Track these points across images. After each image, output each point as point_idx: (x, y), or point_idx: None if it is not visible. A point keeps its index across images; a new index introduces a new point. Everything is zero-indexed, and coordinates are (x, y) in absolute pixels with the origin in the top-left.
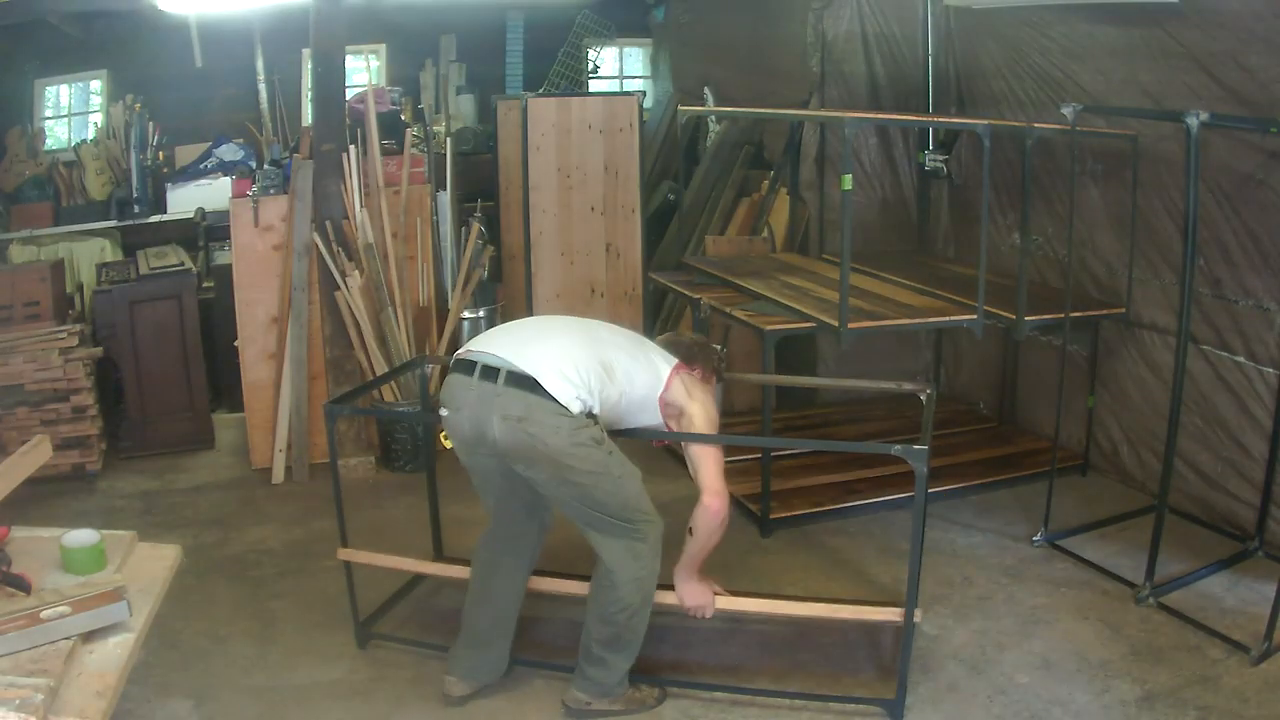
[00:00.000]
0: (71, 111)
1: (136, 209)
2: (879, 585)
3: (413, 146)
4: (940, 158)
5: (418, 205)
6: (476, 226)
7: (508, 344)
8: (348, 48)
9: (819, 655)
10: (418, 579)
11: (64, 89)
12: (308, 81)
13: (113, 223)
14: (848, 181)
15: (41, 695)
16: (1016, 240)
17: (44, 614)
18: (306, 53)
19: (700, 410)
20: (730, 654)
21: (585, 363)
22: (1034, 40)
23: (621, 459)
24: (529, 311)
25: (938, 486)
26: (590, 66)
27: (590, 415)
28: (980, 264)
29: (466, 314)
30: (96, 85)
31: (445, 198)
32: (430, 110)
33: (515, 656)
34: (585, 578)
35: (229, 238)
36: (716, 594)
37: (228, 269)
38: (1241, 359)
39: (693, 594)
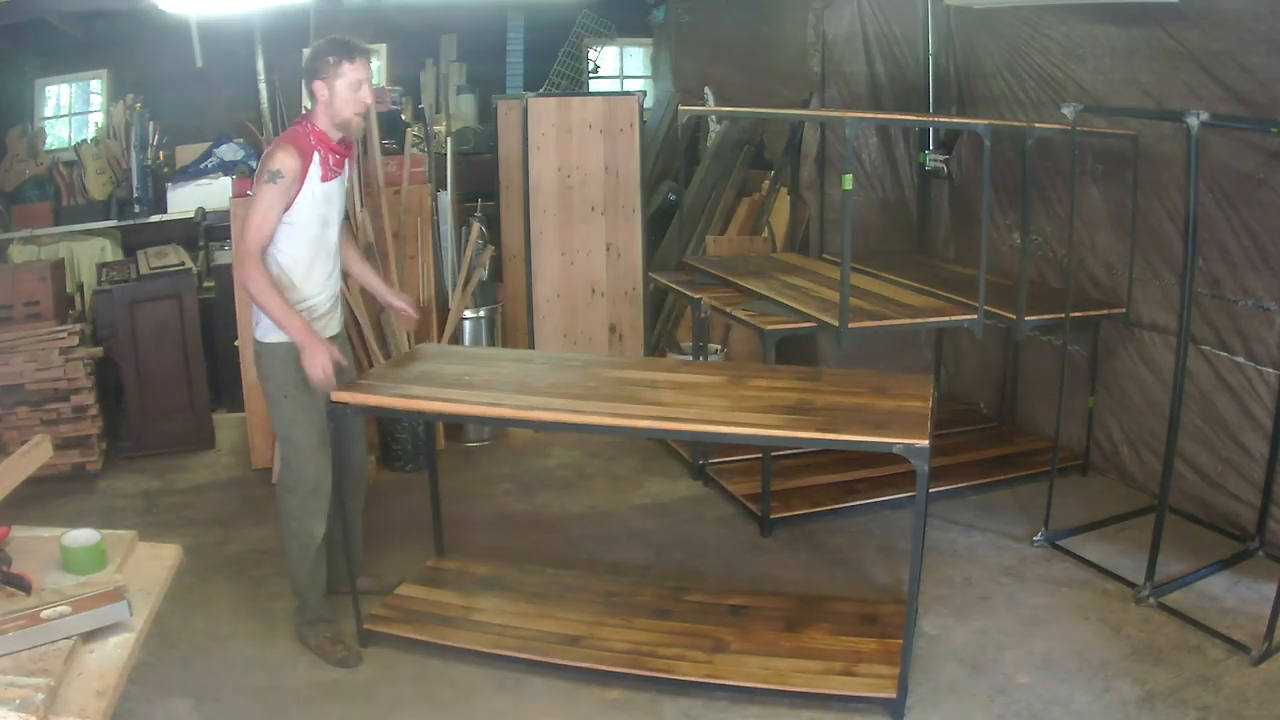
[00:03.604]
0: (72, 111)
1: (137, 209)
2: (879, 585)
3: (413, 146)
4: (940, 158)
5: (418, 205)
6: (477, 226)
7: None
8: None
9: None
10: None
11: (64, 89)
12: None
13: (113, 222)
14: (848, 181)
15: (42, 695)
16: (1016, 240)
17: (44, 614)
18: (307, 52)
19: (255, 199)
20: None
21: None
22: (1034, 40)
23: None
24: (529, 311)
25: (938, 486)
26: (591, 66)
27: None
28: (980, 264)
29: (467, 314)
30: (96, 85)
31: (446, 198)
32: (431, 110)
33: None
34: None
35: (229, 237)
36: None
37: (228, 269)
38: (1241, 359)
39: (307, 362)
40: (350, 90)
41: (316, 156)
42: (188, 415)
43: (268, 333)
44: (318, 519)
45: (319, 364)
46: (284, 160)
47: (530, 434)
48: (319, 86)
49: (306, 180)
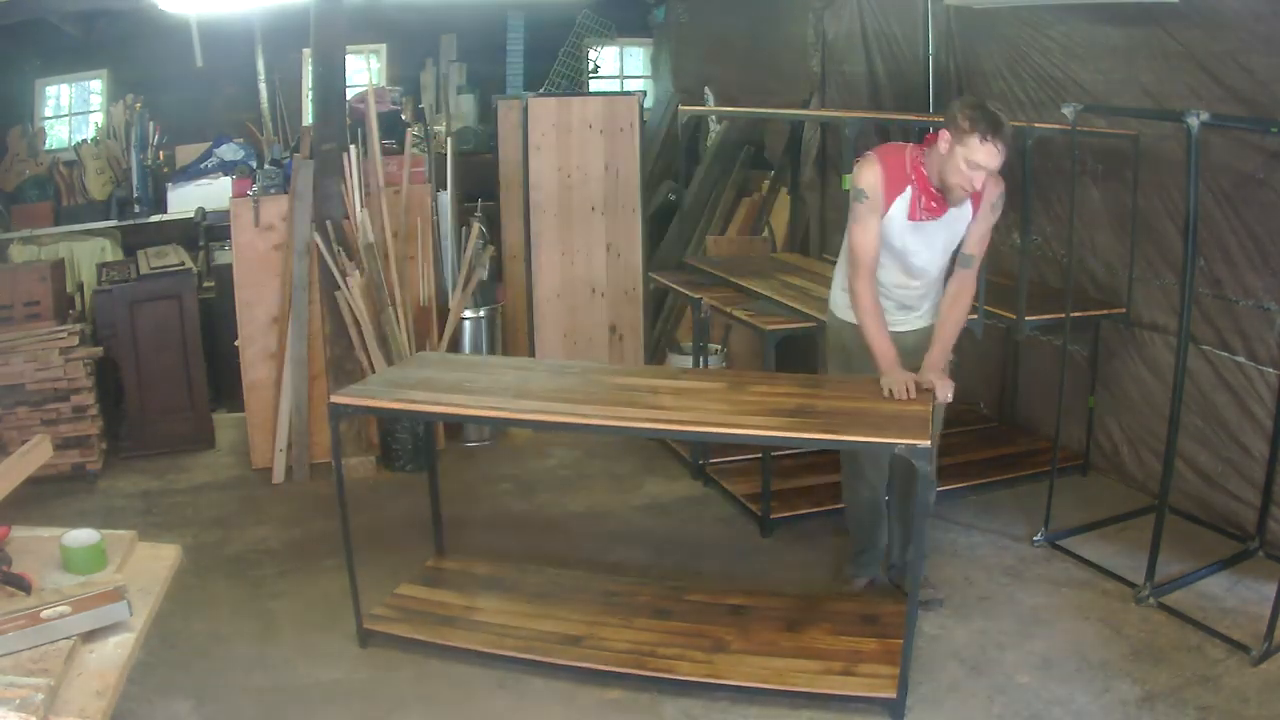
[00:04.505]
0: (72, 111)
1: (137, 209)
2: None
3: (413, 146)
4: None
5: (418, 205)
6: (477, 226)
7: None
8: (348, 47)
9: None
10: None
11: (64, 89)
12: (308, 81)
13: (113, 222)
14: (848, 181)
15: (42, 695)
16: (1016, 240)
17: (44, 614)
18: (307, 52)
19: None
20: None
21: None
22: (1034, 40)
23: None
24: (529, 311)
25: (938, 486)
26: (591, 66)
27: None
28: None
29: (467, 314)
30: (96, 85)
31: (446, 197)
32: (431, 110)
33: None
34: None
35: (229, 237)
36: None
37: (228, 269)
38: (1241, 359)
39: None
40: (965, 165)
41: (910, 191)
42: (188, 415)
43: (829, 308)
44: (859, 486)
45: (895, 386)
46: (866, 178)
47: (530, 434)
48: (943, 136)
49: (889, 213)
